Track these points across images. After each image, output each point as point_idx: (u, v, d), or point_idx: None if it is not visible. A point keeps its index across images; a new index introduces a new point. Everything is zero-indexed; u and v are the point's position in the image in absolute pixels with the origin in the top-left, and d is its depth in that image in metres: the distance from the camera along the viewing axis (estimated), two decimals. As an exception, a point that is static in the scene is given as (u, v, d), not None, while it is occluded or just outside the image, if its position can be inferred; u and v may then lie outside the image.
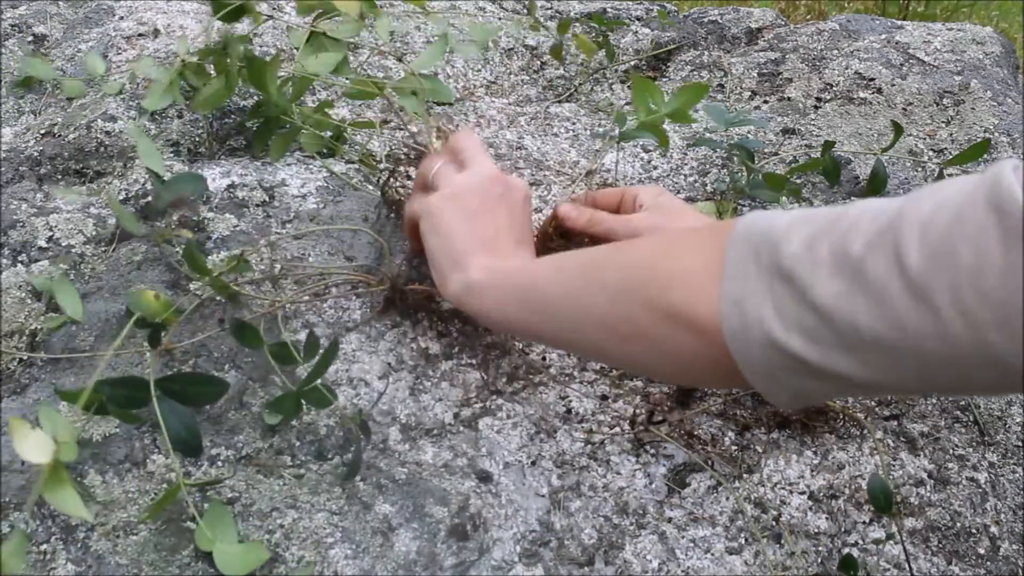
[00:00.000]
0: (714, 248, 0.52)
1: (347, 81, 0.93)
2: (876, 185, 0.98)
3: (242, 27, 0.95)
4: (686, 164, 1.01)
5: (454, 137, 0.79)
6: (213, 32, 0.97)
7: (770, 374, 0.49)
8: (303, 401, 0.69)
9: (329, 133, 0.94)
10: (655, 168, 0.99)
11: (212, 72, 0.91)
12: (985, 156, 1.02)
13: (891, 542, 0.75)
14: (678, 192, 0.98)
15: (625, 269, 0.58)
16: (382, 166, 0.95)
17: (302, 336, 0.75)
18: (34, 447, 0.61)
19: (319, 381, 0.68)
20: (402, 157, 0.89)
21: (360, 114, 1.01)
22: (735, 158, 1.00)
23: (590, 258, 0.62)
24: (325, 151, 0.95)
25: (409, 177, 0.87)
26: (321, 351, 0.68)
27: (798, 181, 0.99)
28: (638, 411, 0.78)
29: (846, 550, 0.73)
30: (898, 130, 0.96)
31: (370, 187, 0.91)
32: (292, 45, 1.05)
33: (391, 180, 0.87)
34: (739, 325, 0.49)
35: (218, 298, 0.77)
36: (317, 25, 0.93)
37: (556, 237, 0.82)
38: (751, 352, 0.49)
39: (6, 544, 0.60)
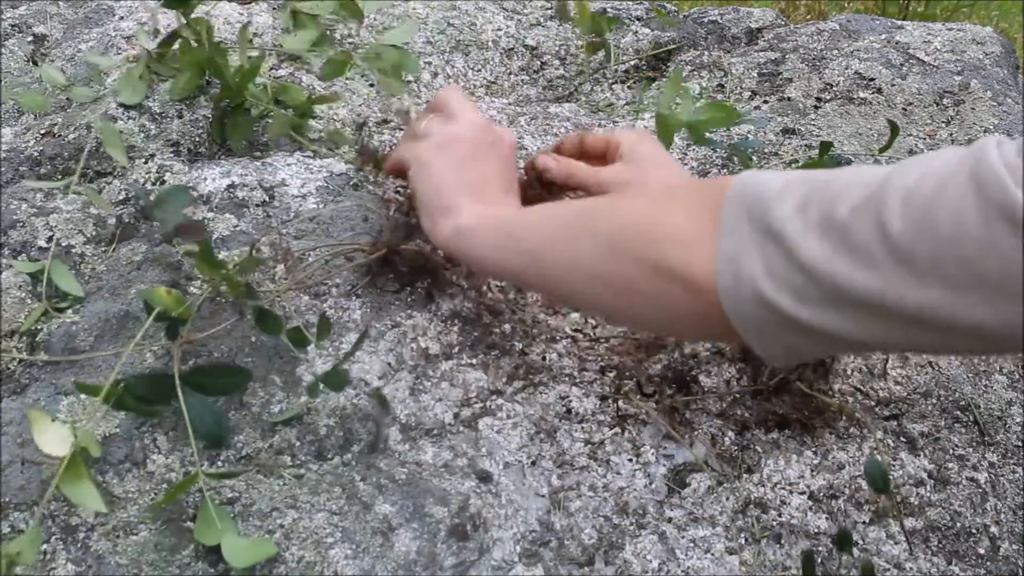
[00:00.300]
0: (707, 206, 0.53)
1: (315, 57, 0.95)
2: None
3: (199, 12, 0.95)
4: (686, 164, 1.01)
5: (439, 94, 0.81)
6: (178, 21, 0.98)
7: (761, 330, 0.50)
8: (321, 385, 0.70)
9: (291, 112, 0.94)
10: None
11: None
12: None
13: (891, 542, 0.75)
14: (678, 192, 0.98)
15: (616, 222, 0.58)
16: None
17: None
18: (54, 440, 0.62)
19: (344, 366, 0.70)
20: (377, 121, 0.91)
21: (360, 113, 1.01)
22: (735, 158, 1.00)
23: (581, 209, 0.63)
24: (294, 134, 0.95)
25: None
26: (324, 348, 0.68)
27: None
28: (626, 380, 0.78)
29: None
30: (894, 129, 0.96)
31: (370, 187, 0.91)
32: (279, 26, 1.06)
33: (369, 140, 0.90)
34: (732, 282, 0.50)
35: (218, 298, 0.77)
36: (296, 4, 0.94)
37: (536, 186, 0.82)
38: (743, 309, 0.50)
39: (20, 537, 0.60)
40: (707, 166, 1.00)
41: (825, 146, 0.95)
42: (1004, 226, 0.41)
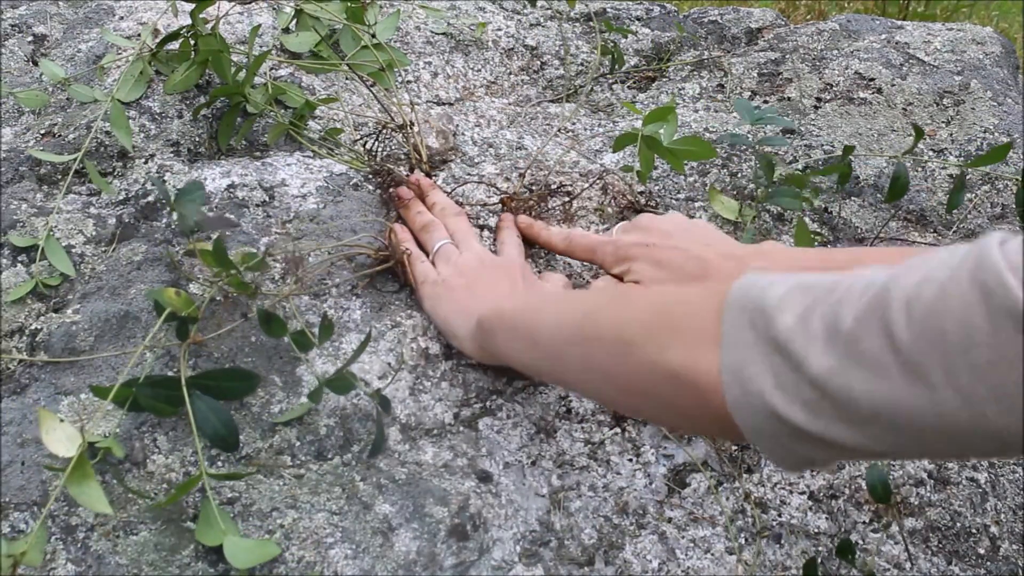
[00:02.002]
0: (709, 309, 0.53)
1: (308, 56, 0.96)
2: (898, 190, 0.96)
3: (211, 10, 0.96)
4: (686, 164, 1.01)
5: (448, 219, 0.86)
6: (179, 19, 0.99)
7: (775, 441, 0.50)
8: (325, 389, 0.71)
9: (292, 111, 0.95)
10: (656, 168, 0.99)
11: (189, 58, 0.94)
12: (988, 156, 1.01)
13: (891, 542, 0.75)
14: (678, 192, 0.98)
15: (621, 326, 0.59)
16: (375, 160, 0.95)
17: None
18: (61, 440, 0.62)
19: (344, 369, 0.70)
20: (378, 129, 0.94)
21: (360, 114, 1.01)
22: (734, 159, 1.00)
23: (586, 309, 0.64)
24: (292, 133, 0.95)
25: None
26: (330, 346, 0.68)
27: (818, 183, 0.99)
28: None
29: (846, 550, 0.74)
30: (918, 133, 0.95)
31: (370, 187, 0.91)
32: (279, 26, 1.07)
33: (374, 147, 0.92)
34: (740, 395, 0.50)
35: (217, 298, 0.77)
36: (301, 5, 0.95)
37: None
38: (755, 421, 0.50)
39: (25, 538, 0.60)
40: (707, 166, 1.00)
41: (848, 150, 0.95)
42: (1014, 333, 0.40)
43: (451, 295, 0.78)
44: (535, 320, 0.67)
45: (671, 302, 0.58)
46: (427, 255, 0.83)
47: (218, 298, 0.77)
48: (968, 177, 1.00)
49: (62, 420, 0.64)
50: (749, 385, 0.49)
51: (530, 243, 0.90)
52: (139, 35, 1.01)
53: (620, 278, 0.82)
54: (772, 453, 0.51)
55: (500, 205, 0.91)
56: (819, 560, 0.73)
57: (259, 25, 0.98)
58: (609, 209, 0.95)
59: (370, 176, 0.92)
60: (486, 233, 0.90)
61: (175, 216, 0.81)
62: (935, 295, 0.43)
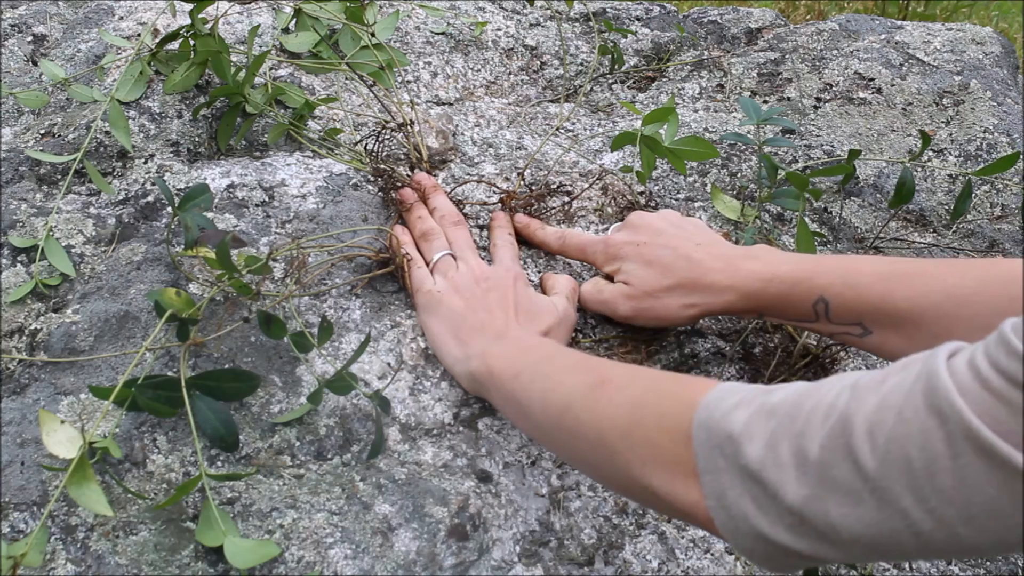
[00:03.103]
0: (681, 427, 0.53)
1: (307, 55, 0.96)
2: (903, 195, 0.96)
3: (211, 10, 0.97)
4: (686, 164, 1.01)
5: (448, 228, 0.85)
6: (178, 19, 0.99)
7: (766, 555, 0.51)
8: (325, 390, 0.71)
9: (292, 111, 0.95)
10: (655, 168, 0.99)
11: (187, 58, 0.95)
12: (985, 156, 1.01)
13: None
14: (678, 192, 0.98)
15: (600, 429, 0.59)
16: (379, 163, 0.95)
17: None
18: (62, 442, 0.62)
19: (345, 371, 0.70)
20: (379, 128, 0.94)
21: (360, 114, 1.01)
22: (734, 159, 1.00)
23: (567, 399, 0.63)
24: (292, 133, 0.95)
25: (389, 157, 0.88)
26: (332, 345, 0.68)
27: (817, 183, 0.99)
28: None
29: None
30: (925, 140, 0.95)
31: (370, 187, 0.91)
32: (279, 26, 1.07)
33: (375, 148, 0.92)
34: (726, 519, 0.51)
35: (217, 298, 0.77)
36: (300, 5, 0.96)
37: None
38: (745, 542, 0.51)
39: (25, 538, 0.60)
40: (707, 165, 1.00)
41: (854, 154, 0.95)
42: (974, 456, 0.40)
43: (445, 314, 0.78)
44: (523, 396, 0.67)
45: (646, 405, 0.58)
46: (427, 262, 0.83)
47: (218, 298, 0.77)
48: (966, 178, 1.00)
49: (63, 421, 0.64)
50: (733, 510, 0.50)
51: (527, 242, 0.90)
52: (139, 35, 1.02)
53: (611, 277, 0.82)
54: (767, 565, 0.52)
55: (500, 204, 0.91)
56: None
57: (258, 25, 0.98)
58: (609, 209, 0.95)
59: (371, 177, 0.92)
60: (485, 233, 0.90)
61: (180, 224, 0.81)
62: (894, 421, 0.43)
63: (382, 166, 0.92)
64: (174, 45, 0.96)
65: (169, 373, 0.72)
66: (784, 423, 0.48)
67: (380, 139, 0.94)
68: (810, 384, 0.50)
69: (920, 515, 0.43)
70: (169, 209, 0.84)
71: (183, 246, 0.82)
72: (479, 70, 1.13)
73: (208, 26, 0.93)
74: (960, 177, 1.00)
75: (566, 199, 0.93)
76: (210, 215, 0.85)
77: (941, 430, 0.41)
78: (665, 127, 0.88)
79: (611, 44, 1.15)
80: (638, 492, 0.57)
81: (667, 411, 0.55)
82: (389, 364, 0.77)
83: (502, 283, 0.80)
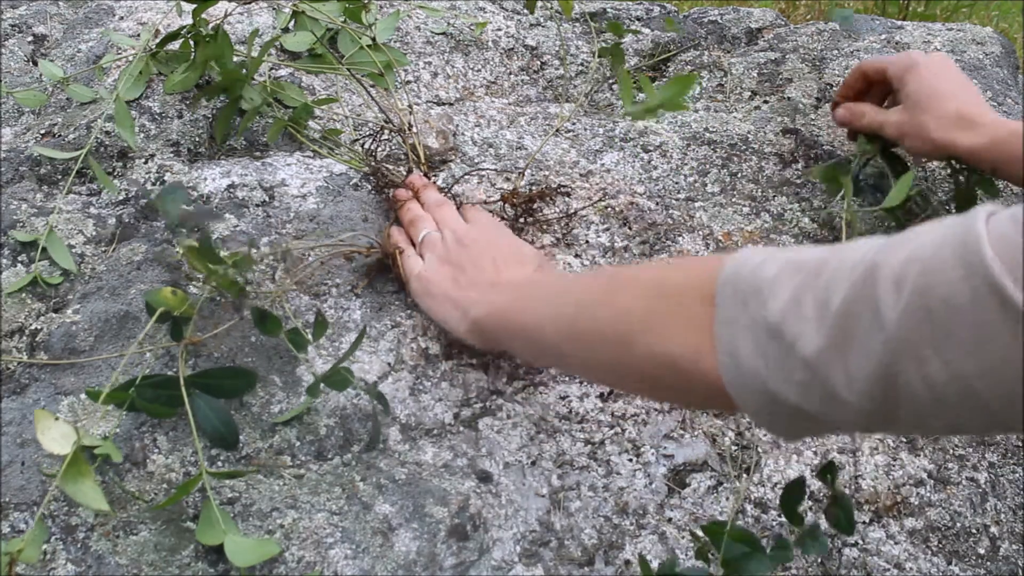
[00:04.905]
0: (704, 290, 0.53)
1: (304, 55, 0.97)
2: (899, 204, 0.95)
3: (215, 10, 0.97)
4: (686, 164, 1.01)
5: (434, 210, 0.85)
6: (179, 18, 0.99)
7: (771, 416, 0.50)
8: (322, 385, 0.70)
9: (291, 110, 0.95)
10: (655, 168, 0.99)
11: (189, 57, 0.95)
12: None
13: (891, 542, 0.75)
14: (678, 192, 0.98)
15: (618, 319, 0.59)
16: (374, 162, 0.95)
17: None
18: (56, 438, 0.62)
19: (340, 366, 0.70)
20: (377, 130, 0.95)
21: (360, 114, 1.01)
22: (734, 159, 1.00)
23: (580, 302, 0.64)
24: (291, 132, 0.95)
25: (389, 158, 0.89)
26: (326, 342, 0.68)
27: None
28: None
29: (846, 550, 0.74)
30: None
31: (370, 187, 0.91)
32: (279, 26, 1.07)
33: (371, 149, 0.93)
34: (736, 375, 0.50)
35: (217, 298, 0.77)
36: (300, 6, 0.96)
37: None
38: (751, 399, 0.50)
39: (22, 535, 0.60)
40: (707, 166, 1.00)
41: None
42: (997, 308, 0.40)
43: (438, 286, 0.78)
44: (531, 319, 0.67)
45: (664, 283, 0.58)
46: (415, 246, 0.84)
47: (218, 298, 0.77)
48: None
49: (57, 418, 0.64)
50: (744, 366, 0.49)
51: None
52: (139, 35, 1.02)
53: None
54: (770, 427, 0.52)
55: (501, 202, 0.91)
56: (818, 559, 0.73)
57: (257, 29, 0.98)
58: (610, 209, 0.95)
59: (369, 176, 0.92)
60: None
61: (159, 212, 0.81)
62: (921, 273, 0.43)
63: (375, 165, 0.92)
64: (174, 45, 0.96)
65: (169, 373, 0.72)
66: (810, 277, 0.48)
67: (376, 140, 0.94)
68: (841, 244, 0.49)
69: (937, 367, 0.42)
70: (154, 207, 0.84)
71: (166, 228, 0.82)
72: (479, 70, 1.13)
73: (211, 26, 0.93)
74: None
75: (566, 199, 0.93)
76: (192, 209, 0.85)
77: (966, 282, 0.41)
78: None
79: (609, 43, 1.14)
80: (653, 372, 0.57)
81: (691, 280, 0.55)
82: (389, 364, 0.77)
83: (484, 236, 0.81)
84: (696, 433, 0.78)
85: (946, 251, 0.42)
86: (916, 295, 0.43)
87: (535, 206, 0.91)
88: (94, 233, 0.84)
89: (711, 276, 0.53)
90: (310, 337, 0.73)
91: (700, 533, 0.67)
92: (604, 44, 1.14)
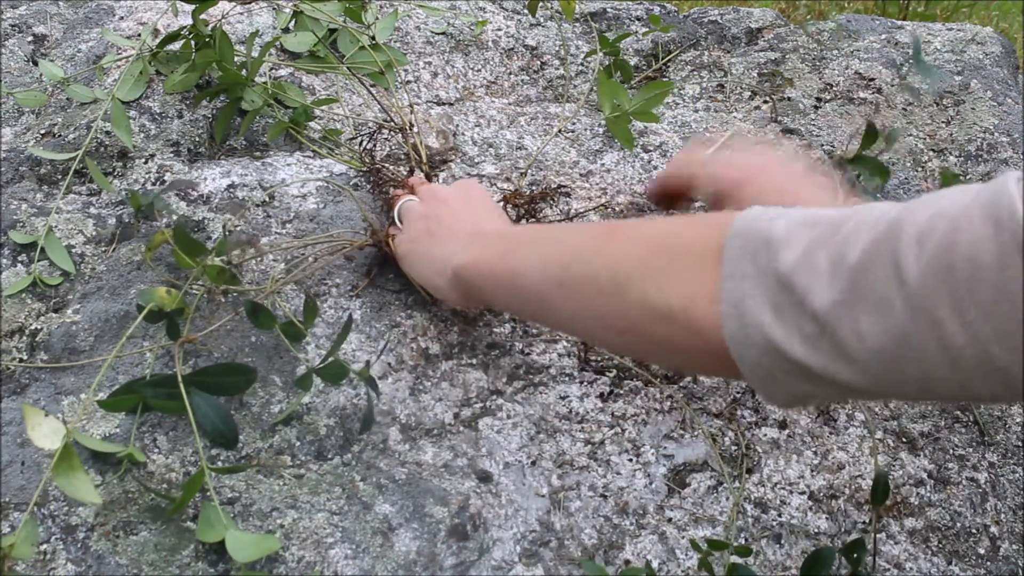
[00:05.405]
0: (710, 245, 0.51)
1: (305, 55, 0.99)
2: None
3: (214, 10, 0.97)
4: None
5: (418, 188, 0.83)
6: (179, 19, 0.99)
7: (769, 376, 0.49)
8: (316, 377, 0.70)
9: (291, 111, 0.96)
10: (655, 168, 0.99)
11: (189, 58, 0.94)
12: (985, 156, 1.01)
13: (891, 542, 0.75)
14: (678, 192, 0.98)
15: (615, 264, 0.57)
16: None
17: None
18: (46, 434, 0.62)
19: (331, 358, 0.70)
20: (378, 129, 0.95)
21: (360, 114, 1.01)
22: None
23: (574, 247, 0.62)
24: (292, 133, 0.95)
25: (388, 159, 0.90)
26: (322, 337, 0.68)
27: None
28: (626, 380, 0.79)
29: (846, 550, 0.74)
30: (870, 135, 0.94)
31: (369, 187, 0.91)
32: (279, 27, 1.07)
33: (370, 148, 0.93)
34: (738, 327, 0.49)
35: (217, 298, 0.77)
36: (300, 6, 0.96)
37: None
38: (750, 354, 0.49)
39: (17, 530, 0.60)
40: (707, 166, 1.00)
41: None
42: (1020, 267, 0.39)
43: (419, 247, 0.76)
44: (517, 264, 0.65)
45: (669, 235, 0.56)
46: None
47: (216, 296, 0.77)
48: (967, 177, 1.00)
49: (46, 414, 0.64)
50: (748, 318, 0.48)
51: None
52: (139, 35, 1.01)
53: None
54: (766, 389, 0.50)
55: (503, 203, 0.91)
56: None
57: (257, 30, 0.98)
58: (609, 208, 0.95)
59: (367, 176, 0.92)
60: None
61: (129, 200, 0.81)
62: (946, 230, 0.41)
63: (372, 165, 0.91)
64: (175, 45, 0.96)
65: (168, 372, 0.72)
66: (826, 232, 0.46)
67: (373, 139, 0.93)
68: (861, 205, 0.48)
69: (954, 328, 0.41)
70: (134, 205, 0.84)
71: (134, 212, 0.82)
72: (479, 70, 1.13)
73: (210, 27, 0.93)
74: (963, 177, 1.00)
75: (567, 198, 0.93)
76: (211, 215, 0.85)
77: (994, 240, 0.40)
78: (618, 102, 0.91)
79: (608, 39, 1.14)
80: (646, 322, 0.55)
81: (698, 233, 0.54)
82: (389, 364, 0.77)
83: (460, 189, 0.79)
84: (696, 433, 0.78)
85: (975, 209, 0.41)
86: (940, 251, 0.41)
87: (537, 206, 0.91)
88: (94, 233, 0.84)
89: (720, 231, 0.51)
90: (302, 326, 0.72)
91: (704, 546, 0.67)
92: (600, 61, 1.14)
